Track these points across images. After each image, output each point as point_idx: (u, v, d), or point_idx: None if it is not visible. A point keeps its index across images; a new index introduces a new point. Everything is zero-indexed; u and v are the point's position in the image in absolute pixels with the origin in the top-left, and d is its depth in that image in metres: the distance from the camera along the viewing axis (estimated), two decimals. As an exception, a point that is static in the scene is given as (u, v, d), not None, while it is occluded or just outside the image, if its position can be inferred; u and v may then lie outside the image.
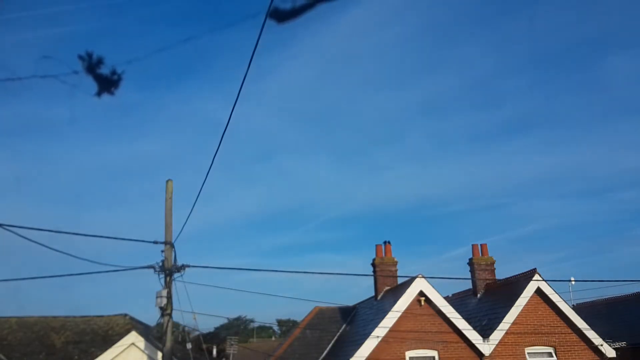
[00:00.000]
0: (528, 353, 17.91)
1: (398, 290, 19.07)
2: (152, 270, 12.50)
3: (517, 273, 19.68)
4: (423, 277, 17.65)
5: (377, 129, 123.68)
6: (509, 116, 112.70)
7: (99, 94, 3.20)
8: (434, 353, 17.25)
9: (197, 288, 13.81)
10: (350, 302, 23.52)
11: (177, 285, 12.74)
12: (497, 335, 17.37)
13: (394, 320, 16.97)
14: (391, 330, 16.87)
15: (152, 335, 17.39)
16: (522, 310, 17.95)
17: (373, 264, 21.57)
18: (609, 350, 18.27)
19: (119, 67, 3.25)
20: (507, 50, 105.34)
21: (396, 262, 21.50)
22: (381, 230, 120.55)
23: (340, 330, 21.30)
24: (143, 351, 16.13)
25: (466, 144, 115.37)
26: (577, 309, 23.25)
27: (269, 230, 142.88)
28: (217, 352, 37.57)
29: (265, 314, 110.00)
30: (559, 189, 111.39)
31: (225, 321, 65.23)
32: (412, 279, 17.75)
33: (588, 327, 18.27)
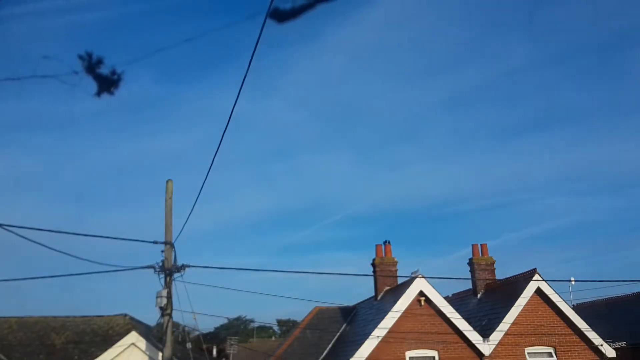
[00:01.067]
0: (528, 353, 17.91)
1: (398, 290, 19.07)
2: (152, 270, 12.51)
3: (518, 273, 19.70)
4: (423, 277, 17.66)
5: (397, 126, 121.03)
6: (533, 111, 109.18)
7: (98, 93, 3.21)
8: (434, 353, 17.25)
9: (197, 288, 13.82)
10: (352, 302, 23.53)
11: (177, 285, 12.76)
12: (497, 335, 17.37)
13: (394, 320, 16.98)
14: (391, 330, 16.87)
15: (152, 336, 17.39)
16: (522, 310, 17.95)
17: (373, 264, 21.57)
18: (609, 350, 18.27)
19: (119, 66, 3.25)
20: (539, 43, 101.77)
21: (396, 262, 21.50)
22: (396, 228, 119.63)
23: (340, 330, 21.29)
24: (143, 351, 16.12)
25: (487, 141, 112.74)
26: (577, 309, 23.25)
27: (282, 229, 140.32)
28: (217, 352, 37.63)
29: (265, 314, 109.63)
30: (579, 185, 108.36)
31: (225, 321, 65.52)
32: (412, 279, 17.75)
33: (588, 327, 18.27)
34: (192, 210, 13.34)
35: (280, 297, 37.92)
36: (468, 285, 22.25)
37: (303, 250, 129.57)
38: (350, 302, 23.79)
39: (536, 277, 18.25)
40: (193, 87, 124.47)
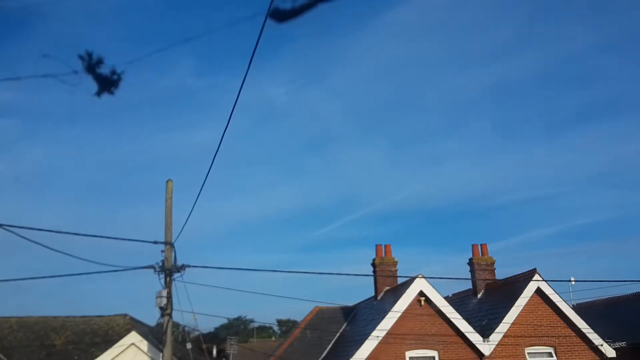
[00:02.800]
0: (528, 353, 17.91)
1: (398, 290, 19.08)
2: (152, 270, 12.52)
3: (517, 273, 19.70)
4: (423, 277, 17.66)
5: (440, 117, 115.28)
6: (592, 99, 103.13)
7: (98, 93, 3.21)
8: (434, 353, 17.25)
9: (197, 288, 13.82)
10: (351, 302, 23.53)
11: (177, 285, 12.77)
12: (497, 336, 17.37)
13: (394, 320, 16.98)
14: (391, 330, 16.87)
15: (152, 336, 17.39)
16: (522, 310, 17.94)
17: (373, 264, 21.57)
18: (609, 351, 18.26)
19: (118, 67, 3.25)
20: (604, 25, 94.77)
21: (396, 262, 21.51)
22: (426, 225, 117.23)
23: (340, 331, 21.30)
24: (143, 351, 16.13)
25: (535, 132, 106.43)
26: (577, 309, 23.24)
27: (308, 225, 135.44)
28: (217, 352, 37.66)
29: (265, 314, 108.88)
30: (623, 179, 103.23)
31: (225, 321, 65.43)
32: (412, 279, 17.76)
33: (588, 327, 18.27)
34: (192, 208, 13.35)
35: (280, 297, 37.86)
36: (469, 285, 22.26)
37: (326, 247, 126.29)
38: (351, 302, 23.81)
39: (536, 277, 18.25)
40: (233, 77, 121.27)
